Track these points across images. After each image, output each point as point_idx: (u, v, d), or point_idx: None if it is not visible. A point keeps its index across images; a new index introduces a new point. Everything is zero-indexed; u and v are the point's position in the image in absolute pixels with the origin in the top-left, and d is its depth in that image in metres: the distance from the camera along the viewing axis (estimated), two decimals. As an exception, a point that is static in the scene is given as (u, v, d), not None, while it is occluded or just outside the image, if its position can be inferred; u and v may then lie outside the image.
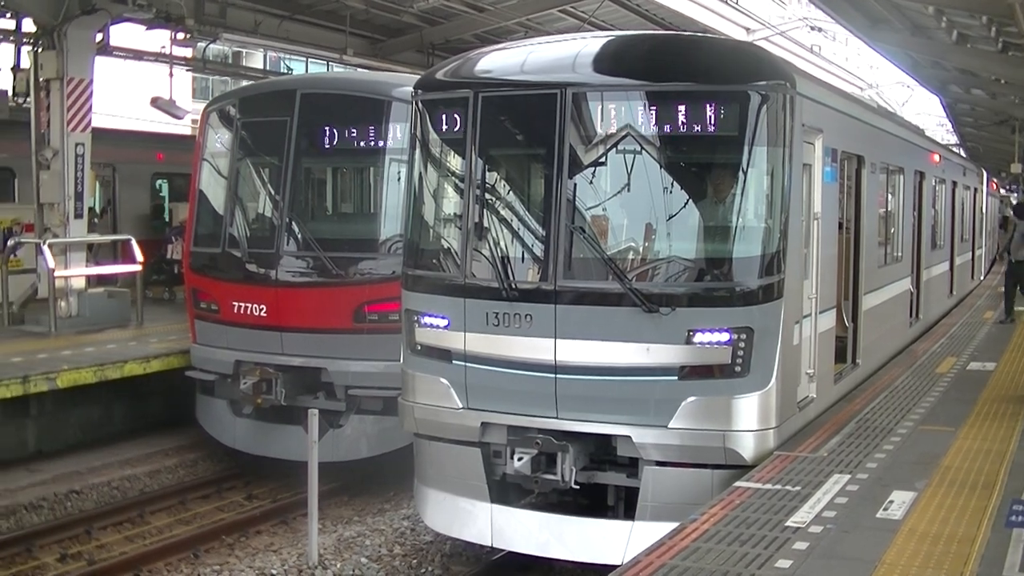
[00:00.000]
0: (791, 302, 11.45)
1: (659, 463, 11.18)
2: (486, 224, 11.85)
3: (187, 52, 29.13)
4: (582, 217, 11.46)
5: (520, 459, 11.38)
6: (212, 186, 17.85)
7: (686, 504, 10.49)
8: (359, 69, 28.57)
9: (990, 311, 25.66)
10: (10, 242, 22.54)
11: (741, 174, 11.23)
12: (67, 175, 20.56)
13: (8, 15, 22.39)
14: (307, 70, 34.64)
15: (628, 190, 11.52)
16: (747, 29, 37.36)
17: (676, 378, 10.99)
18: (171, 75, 29.43)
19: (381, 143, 16.47)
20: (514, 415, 11.62)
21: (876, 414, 13.33)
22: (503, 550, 12.58)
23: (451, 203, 12.54)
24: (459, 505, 12.24)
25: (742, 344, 10.90)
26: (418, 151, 12.68)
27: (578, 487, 11.52)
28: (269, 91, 19.36)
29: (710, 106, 11.06)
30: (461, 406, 11.95)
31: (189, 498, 16.63)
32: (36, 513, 15.42)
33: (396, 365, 13.03)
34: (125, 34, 26.59)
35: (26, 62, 21.59)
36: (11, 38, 22.60)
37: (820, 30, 48.73)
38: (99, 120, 22.71)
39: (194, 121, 33.19)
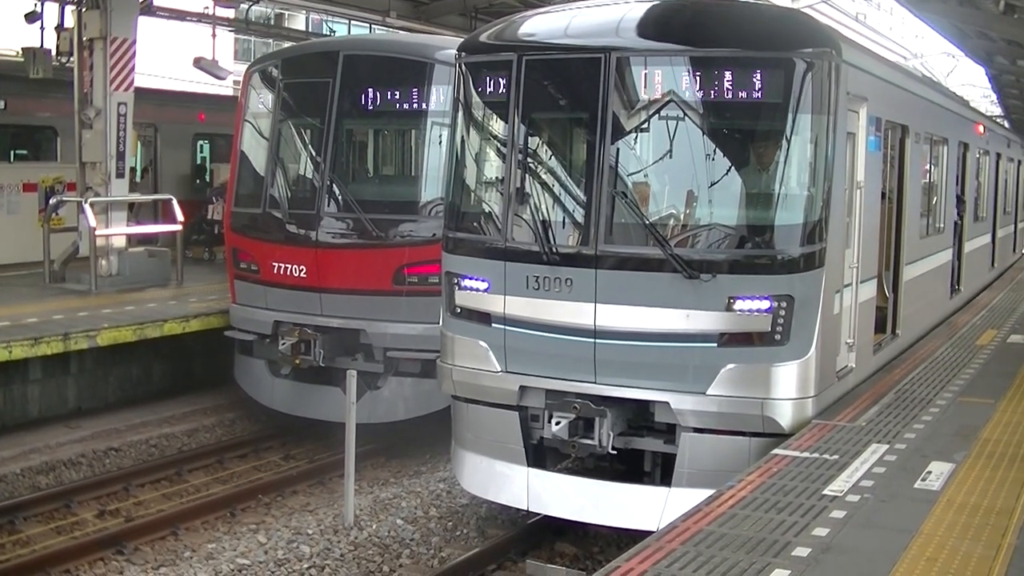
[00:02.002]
0: (832, 271, 11.39)
1: (697, 430, 11.16)
2: (528, 188, 11.85)
3: (230, 13, 29.26)
4: (624, 182, 11.41)
5: (558, 423, 11.38)
6: (254, 147, 17.85)
7: (723, 471, 10.47)
8: (402, 32, 28.46)
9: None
10: (52, 200, 22.68)
11: (785, 142, 11.15)
12: (109, 134, 20.61)
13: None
14: (349, 32, 34.63)
15: (671, 156, 11.45)
16: (792, -3, 37.13)
17: (715, 345, 10.96)
18: (214, 36, 29.65)
19: (423, 105, 16.41)
20: (552, 379, 11.62)
21: (915, 385, 13.27)
22: (539, 514, 12.62)
23: (493, 166, 12.50)
24: (496, 468, 12.27)
25: (782, 312, 10.85)
26: (460, 114, 12.64)
27: (615, 452, 11.53)
28: (312, 52, 19.34)
29: (755, 73, 10.97)
30: (500, 369, 11.96)
31: (227, 457, 16.71)
32: (75, 469, 15.54)
33: (435, 328, 13.05)
34: (169, -6, 26.74)
35: (70, 21, 21.61)
36: (55, -3, 22.69)
37: (865, -1, 48.37)
38: (142, 80, 22.73)
39: (236, 82, 33.30)
